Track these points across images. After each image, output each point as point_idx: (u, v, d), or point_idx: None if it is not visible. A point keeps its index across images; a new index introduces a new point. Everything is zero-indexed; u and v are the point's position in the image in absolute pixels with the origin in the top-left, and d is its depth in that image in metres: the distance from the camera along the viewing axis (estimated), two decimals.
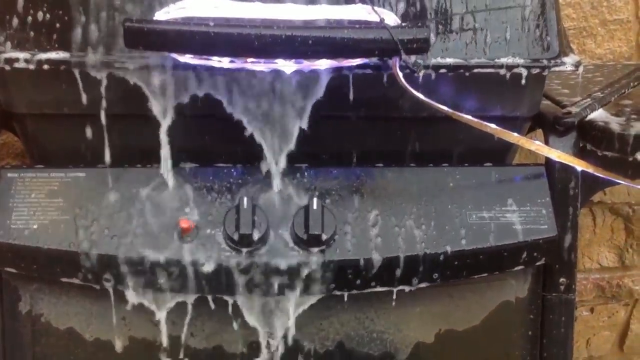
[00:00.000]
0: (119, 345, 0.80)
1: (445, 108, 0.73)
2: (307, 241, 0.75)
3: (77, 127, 0.77)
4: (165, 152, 0.76)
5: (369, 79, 0.75)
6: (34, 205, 0.76)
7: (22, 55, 0.72)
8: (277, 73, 0.73)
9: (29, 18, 0.73)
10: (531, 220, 0.80)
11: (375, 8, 0.72)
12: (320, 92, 0.75)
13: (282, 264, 0.75)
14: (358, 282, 0.77)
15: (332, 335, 0.81)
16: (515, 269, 0.81)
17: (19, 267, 0.76)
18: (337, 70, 0.74)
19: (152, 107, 0.74)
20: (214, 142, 0.79)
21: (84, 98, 0.75)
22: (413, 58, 0.72)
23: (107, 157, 0.78)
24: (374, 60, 0.73)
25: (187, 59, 0.71)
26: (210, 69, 0.72)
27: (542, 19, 0.77)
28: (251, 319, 0.78)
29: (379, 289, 0.78)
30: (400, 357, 0.83)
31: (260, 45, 0.66)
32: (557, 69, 0.77)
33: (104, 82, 0.73)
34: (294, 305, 0.78)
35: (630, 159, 0.79)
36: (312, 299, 0.78)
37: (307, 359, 0.81)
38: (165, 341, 0.79)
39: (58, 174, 0.78)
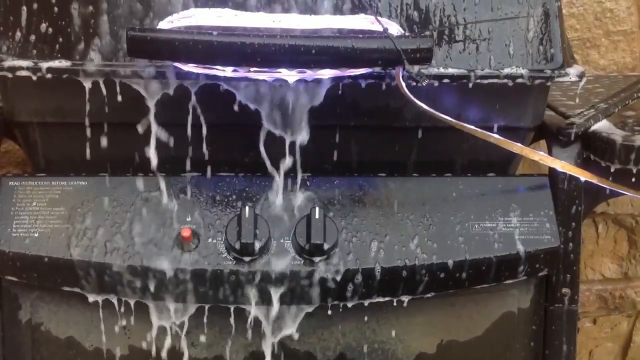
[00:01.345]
0: (119, 355, 0.79)
1: (448, 118, 0.73)
2: (309, 251, 0.75)
3: (79, 135, 0.77)
4: (166, 160, 0.76)
5: (372, 89, 0.75)
6: (35, 214, 0.76)
7: (24, 63, 0.72)
8: (280, 82, 0.73)
9: (32, 27, 0.73)
10: (534, 231, 0.79)
11: (379, 18, 0.72)
12: (323, 101, 0.75)
13: (284, 274, 0.75)
14: (359, 292, 0.77)
15: (333, 345, 0.81)
16: (518, 279, 0.80)
17: (20, 276, 0.76)
18: (340, 79, 0.73)
19: (154, 116, 0.74)
20: (216, 151, 0.79)
21: (86, 107, 0.75)
22: (416, 68, 0.72)
23: (109, 166, 0.78)
24: (377, 70, 0.72)
25: (190, 68, 0.71)
26: (213, 78, 0.72)
27: (545, 29, 0.77)
28: (252, 329, 0.78)
29: (380, 299, 0.77)
30: None
31: (264, 54, 0.66)
32: (560, 79, 0.77)
33: (106, 91, 0.73)
34: (294, 314, 0.78)
35: (634, 169, 0.78)
36: (313, 309, 0.77)
37: None
38: (165, 351, 0.79)
39: (59, 182, 0.77)
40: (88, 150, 0.77)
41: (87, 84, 0.73)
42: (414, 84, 0.71)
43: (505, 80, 0.75)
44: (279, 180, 0.78)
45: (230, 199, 0.78)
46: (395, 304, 0.79)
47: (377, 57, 0.68)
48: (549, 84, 0.79)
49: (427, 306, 0.81)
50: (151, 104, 0.74)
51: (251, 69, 0.70)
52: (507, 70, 0.76)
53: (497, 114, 0.80)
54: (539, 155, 0.77)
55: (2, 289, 0.78)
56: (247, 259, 0.75)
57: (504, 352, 0.85)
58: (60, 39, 0.73)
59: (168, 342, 0.79)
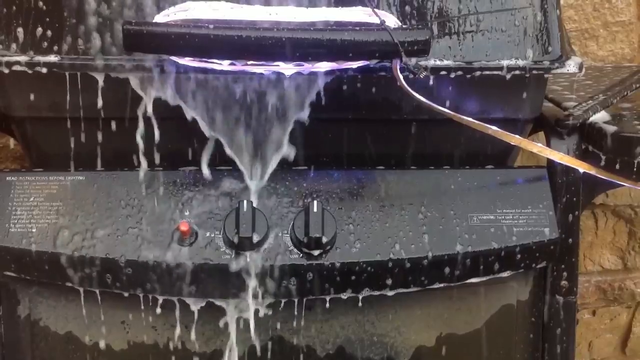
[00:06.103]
0: (117, 350, 0.79)
1: (446, 110, 0.73)
2: (307, 244, 0.75)
3: (76, 130, 0.77)
4: (164, 154, 0.76)
5: (370, 82, 0.75)
6: (33, 209, 0.76)
7: (20, 58, 0.72)
8: (277, 75, 0.73)
9: (28, 22, 0.73)
10: (533, 223, 0.79)
11: (376, 10, 0.71)
12: (320, 94, 0.75)
13: (282, 267, 0.75)
14: (358, 285, 0.76)
15: (332, 339, 0.81)
16: (517, 272, 0.80)
17: (18, 271, 0.76)
18: (337, 72, 0.73)
19: (150, 110, 0.74)
20: (213, 144, 0.79)
21: (83, 101, 0.75)
22: (414, 60, 0.72)
23: (106, 161, 0.78)
24: (374, 62, 0.72)
25: (187, 61, 0.71)
26: (210, 72, 0.72)
27: (543, 20, 0.77)
28: (250, 322, 0.78)
29: (379, 292, 0.77)
30: None
31: (260, 47, 0.66)
32: (558, 71, 0.77)
33: (103, 86, 0.73)
34: (293, 308, 0.78)
35: (633, 161, 0.78)
36: (312, 302, 0.77)
37: None
38: (163, 345, 0.79)
39: (57, 177, 0.77)
40: (85, 145, 0.77)
41: (83, 79, 0.73)
42: (412, 76, 0.71)
43: (503, 72, 0.75)
44: (277, 173, 0.78)
45: (228, 192, 0.78)
46: (393, 296, 0.79)
47: (374, 49, 0.68)
48: (547, 75, 0.79)
49: (425, 299, 0.81)
50: (147, 98, 0.74)
51: (248, 62, 0.70)
52: (505, 62, 0.75)
53: (495, 105, 0.79)
54: (538, 147, 0.77)
55: (0, 285, 0.78)
56: (245, 252, 0.75)
57: (503, 344, 0.85)
58: (57, 34, 0.72)
59: (166, 336, 0.79)
